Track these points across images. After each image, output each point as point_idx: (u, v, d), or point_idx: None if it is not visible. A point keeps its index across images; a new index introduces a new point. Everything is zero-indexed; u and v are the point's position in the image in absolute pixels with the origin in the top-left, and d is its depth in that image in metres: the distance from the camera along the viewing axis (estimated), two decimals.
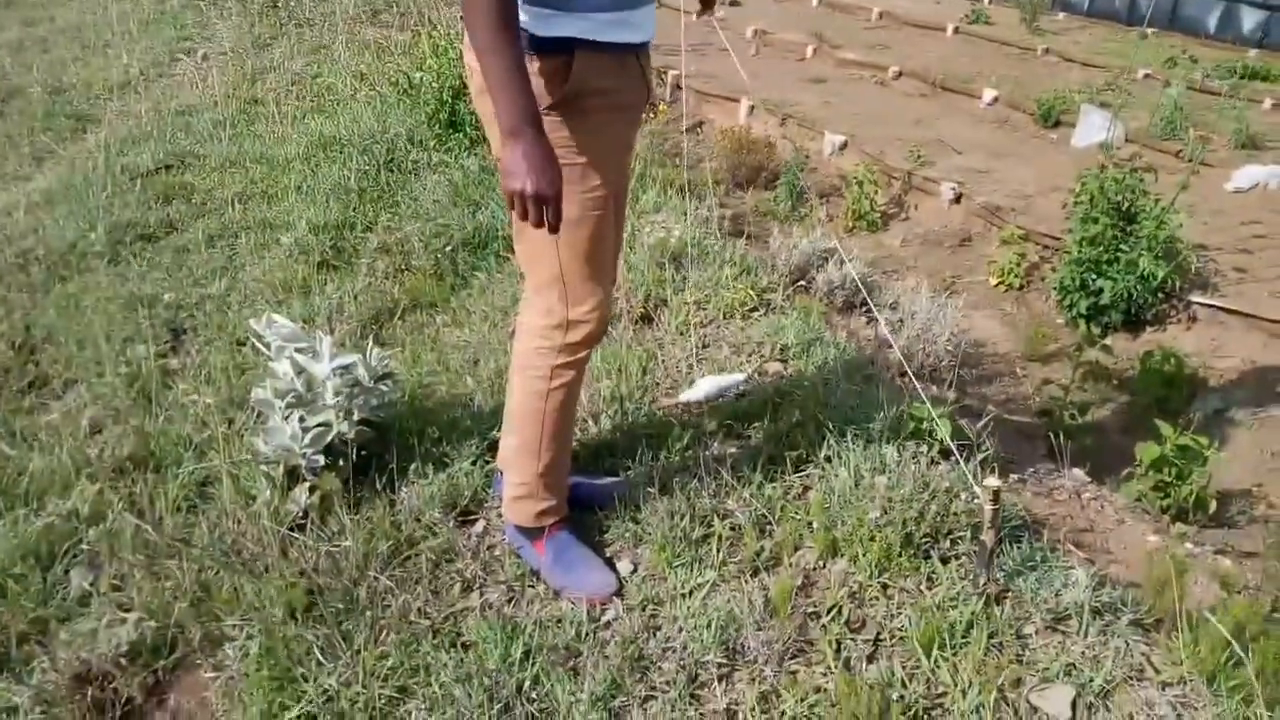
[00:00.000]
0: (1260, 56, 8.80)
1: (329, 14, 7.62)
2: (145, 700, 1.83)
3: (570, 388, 1.90)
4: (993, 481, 1.84)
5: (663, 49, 8.31)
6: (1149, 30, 9.99)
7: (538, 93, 1.58)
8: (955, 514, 2.08)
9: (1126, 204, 4.14)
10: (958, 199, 5.37)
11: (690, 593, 1.97)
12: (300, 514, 2.16)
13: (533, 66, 1.60)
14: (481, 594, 2.00)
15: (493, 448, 2.38)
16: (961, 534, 2.05)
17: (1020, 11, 10.39)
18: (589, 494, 2.20)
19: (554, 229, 1.59)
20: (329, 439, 2.21)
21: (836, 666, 1.78)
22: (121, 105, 6.16)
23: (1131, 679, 1.78)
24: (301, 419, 2.20)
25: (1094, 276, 4.13)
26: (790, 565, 2.04)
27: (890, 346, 2.87)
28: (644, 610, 1.94)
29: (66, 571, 2.08)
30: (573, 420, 2.01)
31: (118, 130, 5.55)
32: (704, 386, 2.66)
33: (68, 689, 1.79)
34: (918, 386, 2.43)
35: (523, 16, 1.59)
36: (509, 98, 1.51)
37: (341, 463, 2.22)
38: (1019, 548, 2.03)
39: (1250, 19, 9.60)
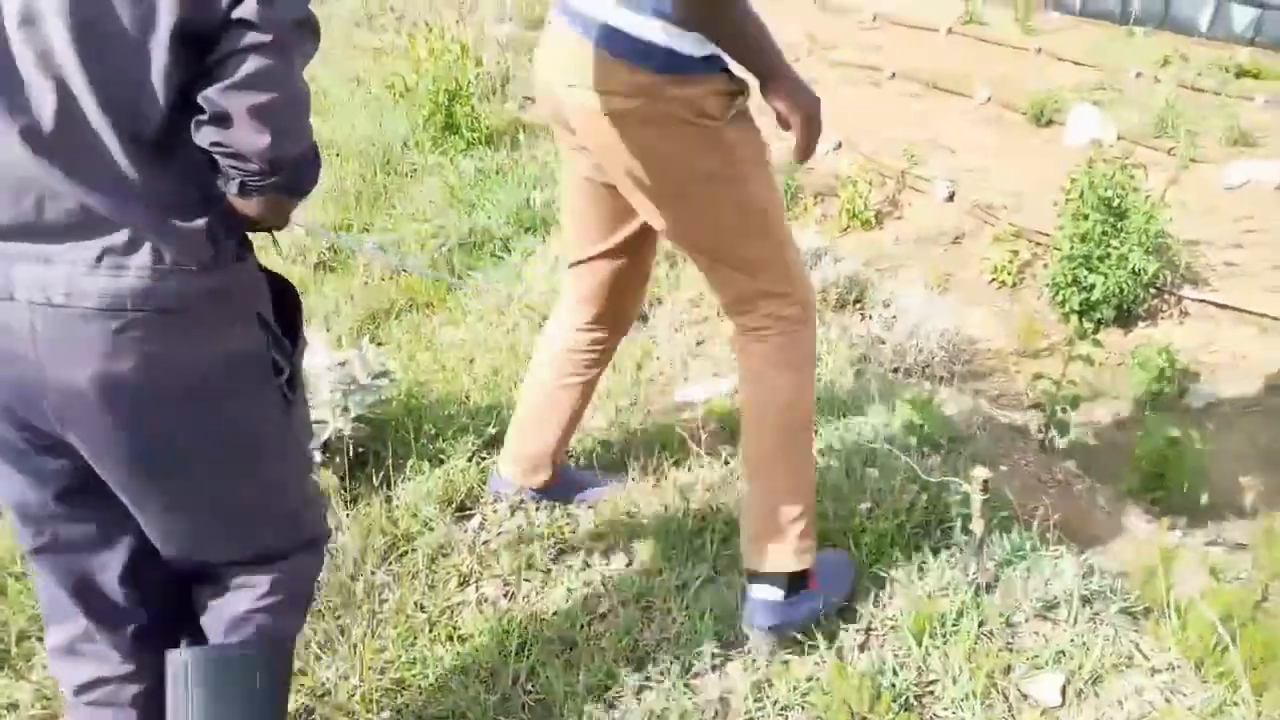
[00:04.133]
0: (1252, 55, 8.83)
1: (326, 18, 7.63)
2: None
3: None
4: (982, 472, 1.86)
5: None
6: (1141, 29, 10.03)
7: (711, 112, 1.56)
8: (946, 505, 2.10)
9: (1117, 200, 4.17)
10: (951, 197, 5.39)
11: (685, 585, 1.99)
12: None
13: (701, 88, 1.54)
14: (478, 588, 2.02)
15: (488, 444, 2.40)
16: (952, 525, 2.07)
17: (1013, 12, 10.43)
18: (581, 489, 2.22)
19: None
20: (325, 436, 2.23)
21: (829, 655, 1.80)
22: None
23: (1120, 665, 1.80)
24: None
25: (1085, 272, 4.15)
26: None
27: (883, 343, 2.90)
28: (639, 603, 1.96)
29: None
30: None
31: None
32: (702, 389, 2.68)
33: None
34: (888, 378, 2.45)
35: (683, 43, 1.52)
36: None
37: (338, 459, 2.24)
38: (1009, 538, 2.05)
39: (1241, 17, 9.62)
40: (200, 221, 1.10)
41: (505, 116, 5.25)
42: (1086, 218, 4.16)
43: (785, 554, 1.77)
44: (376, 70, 6.10)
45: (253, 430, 1.23)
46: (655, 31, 1.50)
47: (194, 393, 1.15)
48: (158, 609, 1.32)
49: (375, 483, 2.25)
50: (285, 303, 1.27)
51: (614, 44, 1.52)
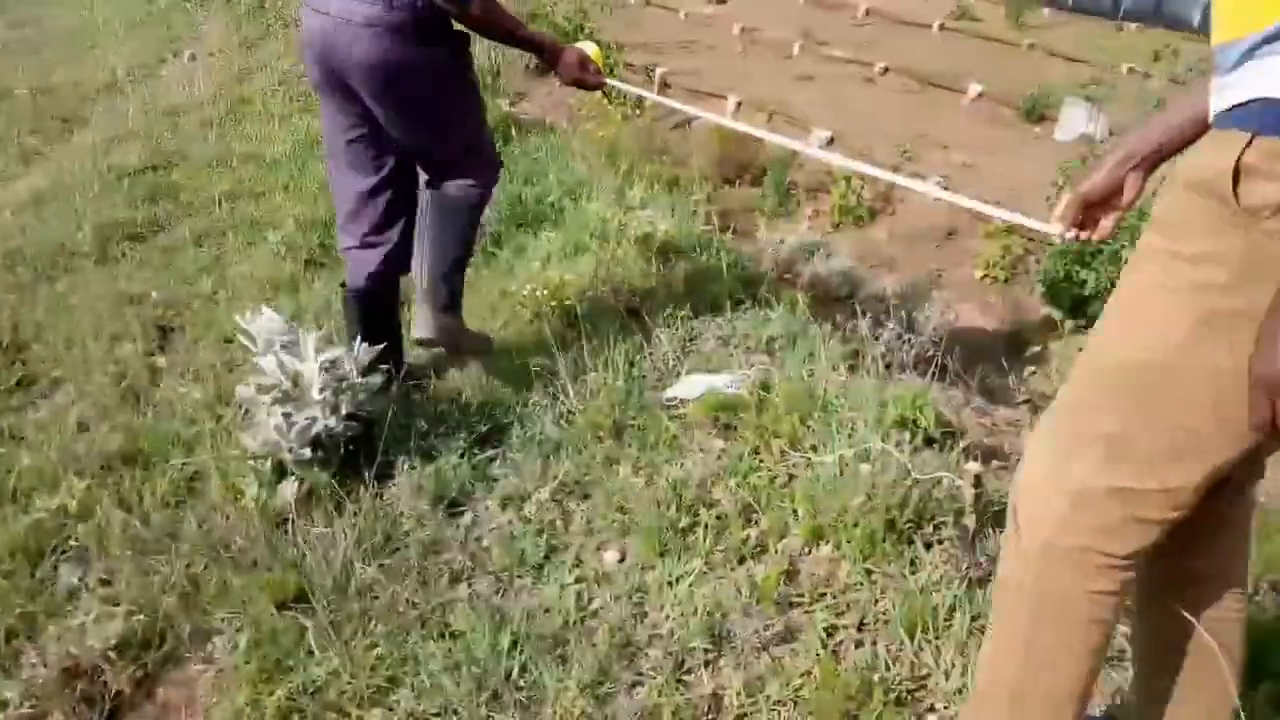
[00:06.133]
0: None
1: None
2: (134, 693, 1.83)
3: None
4: (974, 467, 1.86)
5: (649, 46, 8.32)
6: (1134, 25, 10.05)
7: None
8: (938, 500, 2.10)
9: None
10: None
11: (677, 581, 1.98)
12: (289, 508, 2.17)
13: None
14: (469, 585, 2.01)
15: (480, 441, 2.40)
16: (944, 519, 2.07)
17: (1005, 7, 10.44)
18: None
19: None
20: (315, 433, 2.22)
21: (821, 651, 1.80)
22: (109, 106, 6.15)
23: (1114, 661, 1.80)
24: (288, 414, 2.21)
25: (1078, 268, 4.16)
26: (776, 553, 2.06)
27: (876, 338, 2.90)
28: (631, 598, 1.95)
29: (55, 567, 2.08)
30: None
31: (105, 131, 5.54)
32: (694, 385, 2.67)
33: (57, 683, 1.79)
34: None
35: None
36: None
37: (329, 457, 2.23)
38: (1002, 532, 2.05)
39: None
40: None
41: (496, 113, 5.23)
42: None
43: None
44: None
45: (447, 96, 2.36)
46: None
47: (415, 72, 2.23)
48: (404, 195, 2.52)
49: (367, 480, 2.24)
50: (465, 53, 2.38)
51: None
